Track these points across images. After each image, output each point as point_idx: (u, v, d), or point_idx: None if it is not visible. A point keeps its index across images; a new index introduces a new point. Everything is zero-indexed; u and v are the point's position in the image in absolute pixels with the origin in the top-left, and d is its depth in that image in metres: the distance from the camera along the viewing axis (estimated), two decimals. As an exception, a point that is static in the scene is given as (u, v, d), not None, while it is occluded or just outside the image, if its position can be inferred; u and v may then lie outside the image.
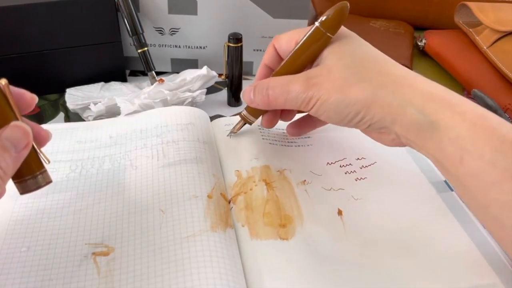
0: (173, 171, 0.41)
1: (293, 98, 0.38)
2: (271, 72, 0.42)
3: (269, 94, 0.39)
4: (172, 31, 0.58)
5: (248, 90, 0.41)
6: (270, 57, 0.43)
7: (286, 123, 0.47)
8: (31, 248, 0.35)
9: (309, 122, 0.46)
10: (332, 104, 0.36)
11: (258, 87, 0.40)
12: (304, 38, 0.39)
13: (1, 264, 0.34)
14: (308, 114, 0.43)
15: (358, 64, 0.36)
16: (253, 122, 0.45)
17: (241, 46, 0.52)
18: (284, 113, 0.45)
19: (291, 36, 0.40)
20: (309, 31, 0.39)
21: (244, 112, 0.45)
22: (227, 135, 0.47)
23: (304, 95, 0.37)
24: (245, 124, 0.46)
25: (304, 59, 0.39)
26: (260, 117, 0.45)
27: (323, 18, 0.38)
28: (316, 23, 0.38)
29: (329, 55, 0.38)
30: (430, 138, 0.33)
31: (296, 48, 0.39)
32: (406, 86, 0.35)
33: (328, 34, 0.38)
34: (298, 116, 0.46)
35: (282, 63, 0.40)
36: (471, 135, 0.31)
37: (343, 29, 0.39)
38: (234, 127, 0.47)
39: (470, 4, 0.65)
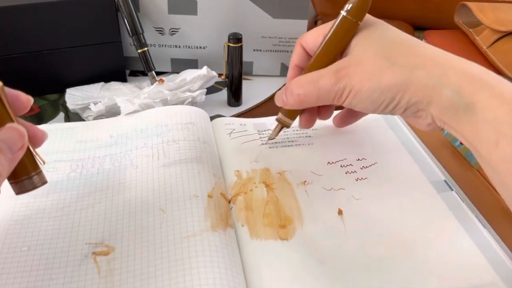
0: (174, 170, 0.41)
1: (324, 94, 0.37)
2: (301, 71, 0.42)
3: (299, 93, 0.39)
4: (172, 31, 0.58)
5: (280, 93, 0.41)
6: (298, 57, 0.42)
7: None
8: (32, 247, 0.35)
9: (353, 113, 0.45)
10: (366, 93, 0.35)
11: (288, 88, 0.40)
12: (332, 29, 0.38)
13: (1, 264, 0.34)
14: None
15: (388, 49, 0.36)
16: (290, 124, 0.44)
17: (241, 46, 0.52)
18: (322, 111, 0.44)
19: (317, 32, 0.40)
20: (335, 22, 0.38)
21: (280, 115, 0.43)
22: (264, 143, 0.46)
23: (336, 89, 0.36)
24: (282, 128, 0.45)
25: (334, 51, 0.39)
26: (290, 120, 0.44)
27: (348, 6, 0.37)
28: (342, 12, 0.38)
29: (358, 44, 0.37)
30: (465, 120, 0.32)
31: (324, 41, 0.39)
32: (440, 66, 0.34)
33: (356, 21, 0.37)
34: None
35: (313, 58, 0.40)
36: (509, 118, 0.30)
37: (369, 17, 0.38)
38: (271, 133, 0.46)
39: (470, 4, 0.65)
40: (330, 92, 0.37)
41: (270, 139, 0.46)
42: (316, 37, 0.40)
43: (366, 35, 0.37)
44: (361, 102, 0.36)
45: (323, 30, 0.39)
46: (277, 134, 0.45)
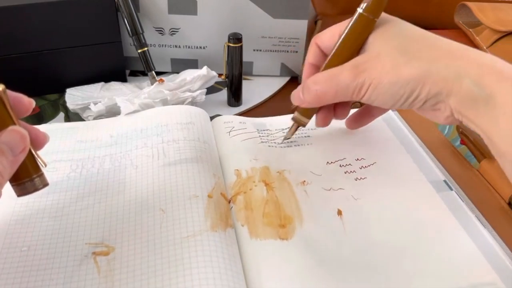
0: (174, 170, 0.41)
1: (343, 89, 0.37)
2: (317, 70, 0.41)
3: (317, 90, 0.38)
4: (172, 31, 0.58)
5: (296, 91, 0.41)
6: (314, 56, 0.42)
7: (287, 123, 0.47)
8: (32, 247, 0.35)
9: (367, 114, 0.45)
10: (386, 87, 0.35)
11: (305, 85, 0.40)
12: (349, 27, 0.38)
13: (1, 264, 0.34)
14: (365, 106, 0.43)
15: (407, 44, 0.36)
16: (307, 123, 0.44)
17: (241, 46, 0.52)
18: (338, 110, 0.44)
19: (333, 30, 0.40)
20: (352, 20, 0.38)
21: (296, 115, 0.43)
22: (281, 142, 0.46)
23: (355, 83, 0.36)
24: (298, 127, 0.45)
25: (351, 48, 0.39)
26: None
27: (364, 4, 0.37)
28: (359, 9, 0.38)
29: (375, 41, 0.37)
30: (485, 112, 0.32)
31: (341, 38, 0.39)
32: (460, 58, 0.34)
33: (372, 18, 0.37)
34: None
35: (330, 56, 0.40)
36: None
37: (384, 14, 0.38)
38: (287, 133, 0.46)
39: (470, 4, 0.65)
40: (349, 87, 0.37)
41: (286, 138, 0.46)
42: (332, 36, 0.40)
43: (383, 32, 0.37)
44: (381, 95, 0.36)
45: (339, 29, 0.40)
46: (293, 134, 0.46)
